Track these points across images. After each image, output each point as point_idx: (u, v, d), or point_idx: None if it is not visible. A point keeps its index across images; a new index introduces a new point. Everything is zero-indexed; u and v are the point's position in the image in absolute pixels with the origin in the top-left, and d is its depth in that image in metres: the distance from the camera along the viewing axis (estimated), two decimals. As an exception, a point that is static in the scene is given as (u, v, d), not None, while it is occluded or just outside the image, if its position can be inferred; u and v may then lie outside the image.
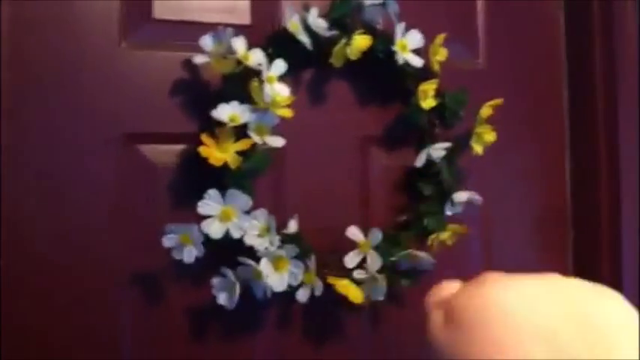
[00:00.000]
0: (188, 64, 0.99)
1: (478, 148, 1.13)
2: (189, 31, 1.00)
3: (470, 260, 1.21)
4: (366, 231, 1.05)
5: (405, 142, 1.15)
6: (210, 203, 0.93)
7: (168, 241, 0.92)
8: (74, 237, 0.96)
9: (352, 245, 1.04)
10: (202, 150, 0.93)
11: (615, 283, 1.23)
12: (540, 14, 1.28)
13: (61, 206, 0.96)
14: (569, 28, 1.29)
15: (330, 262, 1.04)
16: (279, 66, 0.98)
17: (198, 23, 1.02)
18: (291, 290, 0.98)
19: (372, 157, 1.14)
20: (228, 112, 0.94)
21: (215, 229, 0.93)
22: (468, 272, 1.17)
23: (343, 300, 1.00)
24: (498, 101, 1.12)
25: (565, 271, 1.27)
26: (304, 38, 1.01)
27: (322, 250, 1.03)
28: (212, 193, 0.93)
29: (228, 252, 0.95)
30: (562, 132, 1.29)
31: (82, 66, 0.97)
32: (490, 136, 1.13)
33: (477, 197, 1.12)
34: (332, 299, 1.00)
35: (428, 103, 1.09)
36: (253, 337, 1.05)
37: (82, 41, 0.97)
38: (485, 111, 1.12)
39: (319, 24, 1.02)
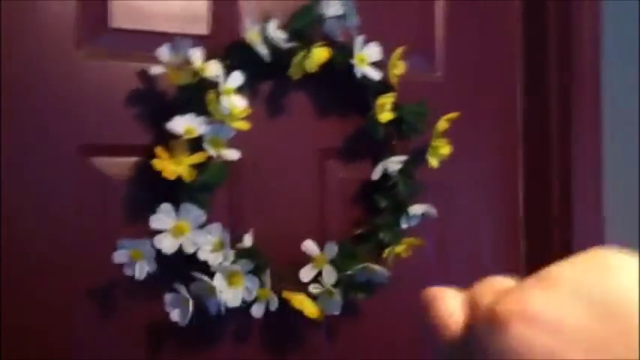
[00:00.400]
0: (144, 74, 0.97)
1: (434, 162, 1.14)
2: (147, 40, 0.98)
3: (426, 272, 1.21)
4: (322, 244, 1.04)
5: (363, 155, 1.15)
6: (162, 217, 0.91)
7: (119, 256, 0.90)
8: (25, 249, 0.94)
9: (308, 258, 1.04)
10: (156, 163, 0.91)
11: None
12: (498, 28, 1.29)
13: (13, 219, 0.93)
14: (526, 40, 1.30)
15: (286, 276, 1.03)
16: (237, 78, 0.97)
17: (155, 33, 1.00)
18: (246, 305, 0.97)
19: (329, 170, 1.13)
20: (183, 124, 0.93)
21: (168, 244, 0.91)
22: (423, 285, 1.19)
23: (299, 314, 0.99)
24: (454, 115, 1.13)
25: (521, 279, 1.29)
26: (262, 49, 1.00)
27: (278, 263, 1.03)
28: (165, 207, 0.91)
29: (182, 267, 0.94)
30: (516, 144, 1.31)
31: (35, 75, 0.94)
32: (445, 150, 1.14)
33: (432, 210, 1.12)
34: (287, 314, 1.00)
35: (385, 116, 1.09)
36: (208, 353, 1.04)
37: (35, 50, 0.95)
38: (442, 125, 1.13)
39: (278, 35, 1.01)
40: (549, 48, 1.26)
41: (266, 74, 1.05)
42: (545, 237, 1.28)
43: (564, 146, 1.25)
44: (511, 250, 1.30)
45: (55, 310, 0.95)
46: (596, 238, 1.27)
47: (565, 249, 1.26)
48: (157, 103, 0.99)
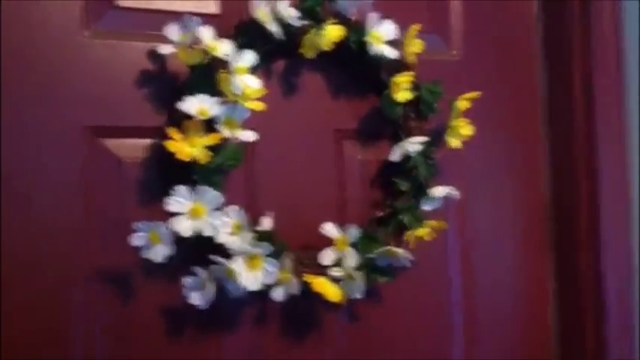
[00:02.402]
0: (154, 54, 0.95)
1: (454, 142, 1.11)
2: (155, 19, 0.95)
3: (448, 256, 1.18)
4: (342, 227, 1.01)
5: (380, 136, 1.12)
6: (179, 200, 0.89)
7: (136, 239, 0.87)
8: (39, 234, 0.91)
9: (328, 242, 1.00)
10: (170, 144, 0.88)
11: (594, 276, 1.21)
12: (516, 4, 1.26)
13: (25, 203, 0.91)
14: (545, 17, 1.27)
15: (306, 260, 1.00)
16: (249, 57, 0.95)
17: (164, 12, 0.98)
18: (267, 289, 0.94)
19: (346, 152, 1.10)
20: (196, 105, 0.90)
21: (185, 227, 0.88)
22: (446, 269, 1.17)
23: (320, 298, 0.96)
24: (474, 94, 1.10)
25: (545, 265, 1.26)
26: (274, 28, 0.97)
27: (297, 247, 1.00)
28: (180, 189, 0.89)
29: (200, 250, 0.91)
30: (538, 124, 1.27)
31: (43, 56, 0.92)
32: (466, 130, 1.11)
33: (454, 192, 1.09)
34: (309, 297, 0.97)
35: (402, 95, 1.06)
36: (228, 337, 1.01)
37: (43, 30, 0.92)
38: (461, 104, 1.10)
39: (290, 13, 0.98)
40: (570, 23, 1.23)
41: (278, 53, 1.03)
42: (571, 219, 1.24)
43: (589, 123, 1.21)
44: (536, 232, 1.26)
45: (71, 294, 0.93)
46: (623, 220, 1.23)
47: (592, 232, 1.22)
48: (167, 84, 0.96)
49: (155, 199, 0.91)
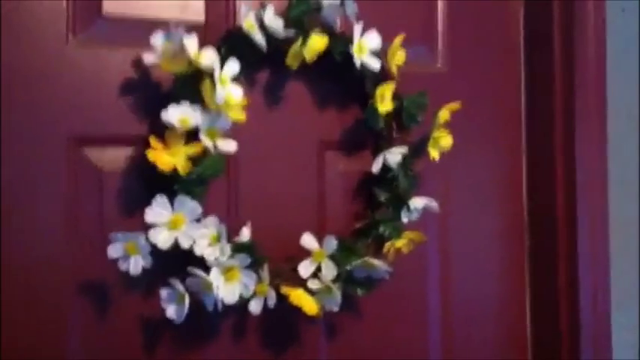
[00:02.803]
0: (138, 63, 0.94)
1: (434, 153, 1.11)
2: (141, 28, 0.95)
3: (427, 268, 1.19)
4: (321, 238, 1.01)
5: (363, 147, 1.12)
6: (158, 210, 0.88)
7: (113, 250, 0.87)
8: (18, 243, 0.91)
9: (307, 253, 1.01)
10: (150, 154, 0.88)
11: (571, 291, 1.22)
12: (500, 17, 1.27)
13: (6, 212, 0.90)
14: (529, 31, 1.28)
15: (284, 271, 1.00)
16: (233, 67, 0.94)
17: (149, 20, 0.98)
18: (244, 301, 0.94)
19: (328, 162, 1.10)
20: (178, 114, 0.90)
21: (163, 238, 0.88)
22: (424, 281, 1.17)
23: (297, 310, 0.96)
24: (456, 105, 1.10)
25: (522, 279, 1.27)
26: (259, 38, 0.97)
27: (276, 258, 1.00)
28: (160, 199, 0.88)
29: (177, 262, 0.91)
30: (519, 137, 1.28)
31: (29, 64, 0.92)
32: (446, 141, 1.11)
33: (433, 204, 1.10)
34: (286, 310, 0.97)
35: (385, 106, 1.06)
36: (205, 349, 1.01)
37: (28, 38, 0.92)
38: (443, 115, 1.10)
39: (275, 23, 0.98)
40: (552, 38, 1.24)
41: (263, 63, 1.03)
42: (549, 232, 1.25)
43: (568, 137, 1.22)
44: (515, 244, 1.27)
45: (48, 305, 0.92)
46: (602, 232, 1.25)
47: (570, 243, 1.23)
48: (151, 93, 0.96)
49: (137, 209, 0.90)
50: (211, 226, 0.92)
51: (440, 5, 1.21)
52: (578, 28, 1.22)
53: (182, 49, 0.91)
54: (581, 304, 1.22)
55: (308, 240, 1.01)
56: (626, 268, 1.28)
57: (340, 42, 1.04)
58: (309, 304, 0.97)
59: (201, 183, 0.94)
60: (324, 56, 1.02)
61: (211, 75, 0.92)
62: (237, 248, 0.95)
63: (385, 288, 1.08)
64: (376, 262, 1.03)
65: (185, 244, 0.89)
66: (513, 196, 1.27)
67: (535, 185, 1.28)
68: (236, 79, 0.95)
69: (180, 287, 0.90)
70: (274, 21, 0.98)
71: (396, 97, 1.08)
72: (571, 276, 1.23)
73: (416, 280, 1.18)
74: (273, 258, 0.99)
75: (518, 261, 1.28)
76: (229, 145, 0.94)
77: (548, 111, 1.25)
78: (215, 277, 0.91)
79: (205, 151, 0.93)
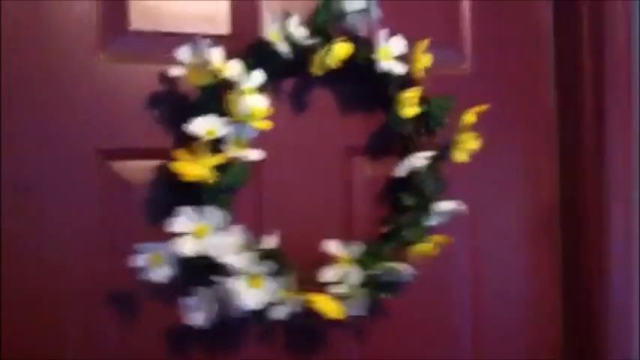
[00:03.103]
0: (165, 76, 0.96)
1: (462, 156, 1.11)
2: (167, 42, 0.96)
3: (456, 270, 1.19)
4: (348, 243, 1.02)
5: (389, 152, 1.12)
6: (183, 220, 0.90)
7: (139, 260, 0.90)
8: (45, 255, 0.94)
9: (333, 259, 1.02)
10: (176, 165, 0.90)
11: (604, 287, 1.22)
12: (528, 18, 1.26)
13: (32, 223, 0.93)
14: (557, 31, 1.27)
15: (310, 277, 1.02)
16: (257, 77, 0.96)
17: (176, 34, 0.99)
18: (269, 307, 0.96)
19: (355, 168, 1.11)
20: (204, 125, 0.92)
21: (189, 248, 0.90)
22: (452, 284, 1.18)
23: (324, 316, 0.98)
24: (483, 107, 1.10)
25: (554, 279, 1.27)
26: (283, 48, 0.98)
27: (303, 264, 1.01)
28: (185, 210, 0.91)
29: (204, 270, 0.93)
30: (549, 138, 1.27)
31: (55, 79, 0.94)
32: (472, 144, 1.11)
33: (460, 206, 1.10)
34: (312, 316, 0.98)
35: (410, 110, 1.07)
36: (231, 357, 1.03)
37: (57, 54, 0.94)
38: (468, 118, 1.10)
39: (299, 32, 0.99)
40: (581, 39, 1.22)
41: (288, 72, 1.04)
42: (580, 233, 1.25)
43: (599, 134, 1.21)
44: (545, 243, 1.27)
45: (75, 315, 0.95)
46: (633, 231, 1.23)
47: (600, 242, 1.22)
48: (177, 105, 0.98)
49: (163, 220, 0.92)
50: (237, 234, 0.94)
51: (465, 6, 1.21)
52: (608, 27, 1.20)
53: (208, 61, 0.92)
54: (612, 304, 1.21)
55: (334, 246, 1.02)
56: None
57: (364, 48, 1.05)
58: (335, 309, 0.98)
59: (228, 192, 0.96)
60: (349, 62, 1.03)
61: (237, 86, 0.94)
62: (264, 255, 0.97)
63: (414, 291, 1.09)
64: (402, 266, 1.03)
65: (211, 252, 0.91)
66: (544, 197, 1.27)
67: (567, 186, 1.27)
68: (262, 89, 0.96)
69: (206, 295, 0.92)
70: (298, 30, 0.99)
71: (422, 100, 1.08)
72: (603, 278, 1.22)
73: (445, 282, 1.18)
74: (299, 264, 1.00)
75: (549, 260, 1.27)
76: (256, 155, 0.96)
77: (578, 108, 1.24)
78: (241, 284, 0.93)
79: (231, 161, 0.95)
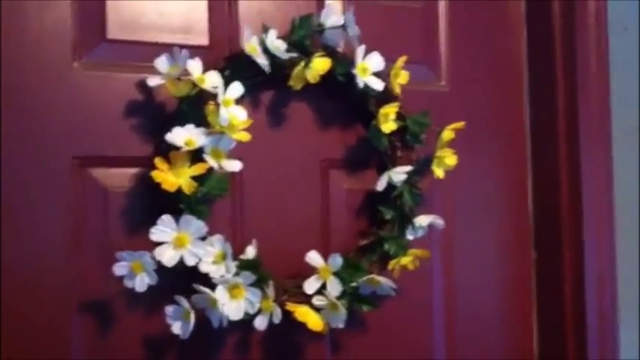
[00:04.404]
0: (143, 85, 0.97)
1: (439, 172, 1.12)
2: (145, 51, 0.98)
3: (432, 284, 1.19)
4: (326, 255, 1.02)
5: (367, 166, 1.14)
6: (163, 229, 0.90)
7: (119, 269, 0.89)
8: (23, 262, 0.93)
9: (312, 271, 1.02)
10: (155, 175, 0.90)
11: (577, 303, 1.22)
12: (502, 36, 1.28)
13: (11, 231, 0.92)
14: (532, 49, 1.29)
15: (290, 288, 1.01)
16: (236, 89, 0.97)
17: (154, 44, 1.00)
18: (249, 318, 0.96)
19: (332, 181, 1.12)
20: (183, 135, 0.92)
21: (168, 256, 0.90)
22: (430, 297, 1.18)
23: (303, 327, 0.97)
24: (460, 124, 1.12)
25: (528, 293, 1.27)
26: (262, 60, 0.99)
27: (281, 275, 1.02)
28: (165, 218, 0.90)
29: (183, 279, 0.92)
30: (524, 152, 1.29)
31: (32, 86, 0.94)
32: (451, 160, 1.12)
33: (439, 221, 1.11)
34: (291, 326, 0.98)
35: (388, 126, 1.08)
36: (210, 366, 1.03)
37: (33, 61, 0.94)
38: (447, 134, 1.11)
39: (278, 46, 1.01)
40: (555, 56, 1.25)
41: (266, 85, 1.05)
42: (555, 248, 1.26)
43: (573, 155, 1.23)
44: (521, 261, 1.28)
45: (55, 323, 0.94)
46: (607, 248, 1.25)
47: (576, 260, 1.23)
48: (155, 115, 0.98)
49: (142, 229, 0.92)
50: (216, 244, 0.94)
51: (441, 25, 1.23)
52: (580, 46, 1.23)
53: (186, 71, 0.93)
54: (588, 318, 1.21)
55: (314, 257, 1.02)
56: (633, 282, 1.28)
57: (343, 63, 1.07)
58: (314, 321, 0.98)
59: (206, 202, 0.96)
60: (327, 76, 1.04)
61: (215, 97, 0.94)
62: (243, 266, 0.97)
63: (390, 304, 1.09)
64: (381, 279, 1.04)
65: (190, 261, 0.91)
66: (519, 212, 1.28)
67: (540, 201, 1.28)
68: (240, 101, 0.97)
69: (186, 304, 0.91)
70: (277, 43, 1.01)
71: (399, 116, 1.10)
72: (577, 291, 1.23)
73: (421, 296, 1.18)
74: (278, 275, 1.00)
75: (523, 275, 1.28)
76: (234, 165, 0.96)
77: (552, 125, 1.26)
78: (220, 294, 0.92)
79: (210, 171, 0.95)
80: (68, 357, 0.95)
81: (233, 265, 0.95)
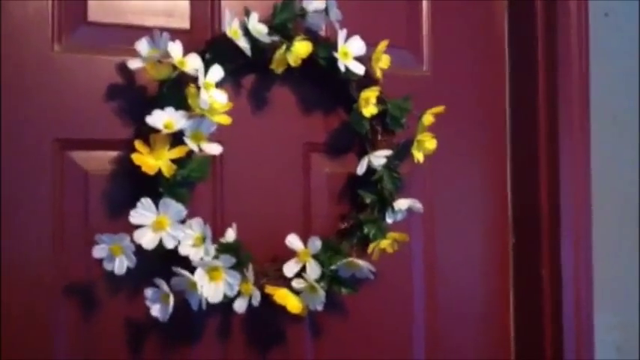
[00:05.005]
0: (124, 68, 0.96)
1: (419, 156, 1.13)
2: (126, 34, 0.97)
3: (412, 268, 1.20)
4: (306, 239, 1.03)
5: (348, 150, 1.14)
6: (143, 212, 0.91)
7: (98, 251, 0.89)
8: (3, 245, 0.93)
9: (292, 254, 1.03)
10: (136, 157, 0.90)
11: (554, 291, 1.24)
12: (484, 21, 1.29)
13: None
14: (513, 34, 1.30)
15: (269, 271, 1.02)
16: (217, 72, 0.97)
17: (135, 27, 1.00)
18: (228, 301, 0.96)
19: (313, 165, 1.13)
20: (163, 118, 0.92)
21: (148, 239, 0.90)
22: (409, 281, 1.19)
23: (282, 310, 0.98)
24: (440, 109, 1.12)
25: (506, 279, 1.29)
26: (244, 44, 0.99)
27: (261, 258, 1.02)
28: (145, 201, 0.91)
29: (163, 262, 0.93)
30: (503, 139, 1.30)
31: (13, 69, 0.94)
32: (431, 144, 1.13)
33: (418, 205, 1.12)
34: (270, 309, 0.99)
35: (369, 110, 1.08)
36: (190, 348, 1.03)
37: (13, 44, 0.94)
38: (427, 118, 1.12)
39: (260, 29, 1.00)
40: (536, 41, 1.26)
41: (248, 68, 1.05)
42: (533, 232, 1.27)
43: (552, 139, 1.24)
44: (499, 244, 1.29)
45: (34, 306, 0.94)
46: (585, 233, 1.26)
47: (553, 244, 1.25)
48: (136, 97, 0.98)
49: (122, 212, 0.92)
50: (196, 227, 0.95)
51: (424, 9, 1.24)
52: (562, 31, 1.24)
53: (167, 54, 0.93)
54: (564, 303, 1.23)
55: (293, 240, 1.03)
56: (609, 268, 1.30)
57: (324, 47, 1.07)
58: (293, 303, 0.99)
59: (186, 185, 0.96)
60: (309, 60, 1.04)
61: (196, 80, 0.94)
62: (222, 249, 0.97)
63: (370, 288, 1.10)
64: (360, 262, 1.05)
65: (170, 244, 0.92)
66: (498, 197, 1.29)
67: (519, 186, 1.30)
68: (221, 84, 0.97)
69: (164, 287, 0.92)
70: (258, 27, 1.01)
71: (380, 100, 1.10)
72: (554, 276, 1.24)
73: (401, 279, 1.20)
74: (258, 258, 1.01)
75: (502, 261, 1.29)
76: (214, 149, 0.97)
77: (532, 113, 1.27)
78: (200, 276, 0.93)
79: (190, 154, 0.95)
80: (49, 339, 0.95)
81: (212, 248, 0.95)
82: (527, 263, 1.28)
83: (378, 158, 1.09)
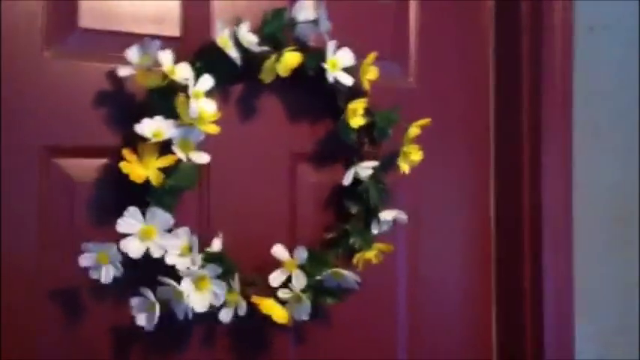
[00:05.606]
0: (113, 75, 0.96)
1: (405, 167, 1.14)
2: (116, 41, 0.97)
3: (396, 278, 1.21)
4: (292, 249, 1.04)
5: (335, 160, 1.15)
6: (129, 221, 0.90)
7: (84, 260, 0.89)
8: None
9: (278, 263, 1.03)
10: (123, 166, 0.90)
11: (535, 296, 1.26)
12: (471, 35, 1.30)
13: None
14: (499, 48, 1.31)
15: (255, 281, 1.02)
16: (206, 81, 0.96)
17: (125, 34, 0.99)
18: (214, 310, 0.96)
19: (300, 175, 1.13)
20: (151, 126, 0.92)
21: (134, 248, 0.90)
22: (394, 291, 1.20)
23: (268, 320, 0.98)
24: (426, 121, 1.13)
25: (488, 288, 1.30)
26: (233, 53, 0.99)
27: (247, 268, 1.02)
28: (132, 210, 0.90)
29: (149, 271, 0.93)
30: (487, 150, 1.32)
31: (2, 75, 0.92)
32: (416, 155, 1.14)
33: (402, 216, 1.12)
34: (256, 319, 0.99)
35: (356, 121, 1.09)
36: (175, 358, 1.03)
37: (3, 49, 0.93)
38: (413, 130, 1.13)
39: (250, 39, 1.01)
40: (521, 55, 1.27)
41: (237, 78, 1.05)
42: (515, 242, 1.29)
43: (535, 152, 1.26)
44: (482, 255, 1.31)
45: (19, 314, 0.93)
46: (566, 243, 1.28)
47: (535, 255, 1.27)
48: (125, 105, 0.98)
49: (109, 220, 0.91)
50: (183, 236, 0.94)
51: (411, 22, 1.25)
52: (546, 48, 1.26)
53: (157, 63, 0.93)
54: (545, 314, 1.25)
55: (279, 250, 1.03)
56: (589, 277, 1.32)
57: (314, 58, 1.07)
58: (279, 313, 0.99)
59: (174, 194, 0.96)
60: (298, 70, 1.04)
61: (185, 89, 0.94)
62: (208, 258, 0.97)
63: (354, 297, 1.10)
64: (345, 272, 1.05)
65: (156, 253, 0.91)
66: (481, 208, 1.31)
67: (502, 197, 1.31)
68: (210, 93, 0.97)
69: (151, 296, 0.92)
70: (248, 37, 1.01)
71: (367, 112, 1.11)
72: (535, 282, 1.26)
73: (385, 289, 1.20)
74: (244, 268, 1.01)
75: (484, 271, 1.31)
76: (202, 158, 0.96)
77: (515, 125, 1.29)
78: (186, 286, 0.93)
79: (178, 163, 0.95)
80: (34, 347, 0.95)
81: (199, 258, 0.95)
82: (509, 273, 1.30)
83: (365, 169, 1.10)
